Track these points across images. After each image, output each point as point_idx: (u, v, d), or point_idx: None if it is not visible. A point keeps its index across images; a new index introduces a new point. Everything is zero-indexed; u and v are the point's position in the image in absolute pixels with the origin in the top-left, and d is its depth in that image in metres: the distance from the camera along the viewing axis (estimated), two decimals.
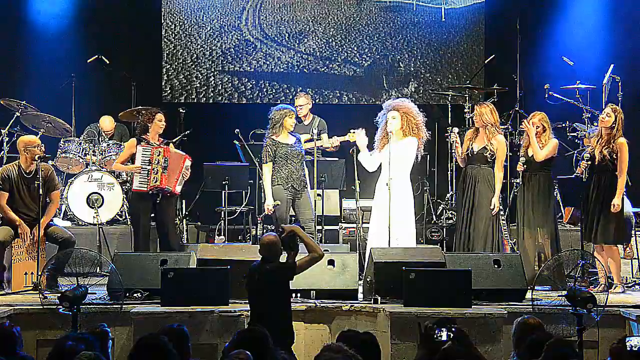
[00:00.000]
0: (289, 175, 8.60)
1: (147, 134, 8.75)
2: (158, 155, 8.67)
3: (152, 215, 8.85)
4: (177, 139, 10.07)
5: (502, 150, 8.55)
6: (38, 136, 9.17)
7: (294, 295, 7.63)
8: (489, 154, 8.51)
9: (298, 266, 6.47)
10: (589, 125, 10.00)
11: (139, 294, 7.45)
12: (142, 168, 8.63)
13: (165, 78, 12.03)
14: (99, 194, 9.81)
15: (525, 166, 8.48)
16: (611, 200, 8.10)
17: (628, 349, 4.73)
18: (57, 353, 4.61)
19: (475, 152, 8.57)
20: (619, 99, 10.09)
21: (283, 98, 11.78)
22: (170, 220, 8.90)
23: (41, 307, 7.08)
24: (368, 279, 7.75)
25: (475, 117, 8.62)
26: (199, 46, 12.06)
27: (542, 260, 8.27)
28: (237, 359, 4.42)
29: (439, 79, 12.14)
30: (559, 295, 6.63)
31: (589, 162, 8.22)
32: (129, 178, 10.12)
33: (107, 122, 10.51)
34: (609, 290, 7.70)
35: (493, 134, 8.54)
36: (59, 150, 10.04)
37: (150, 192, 8.63)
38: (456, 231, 8.75)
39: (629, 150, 8.18)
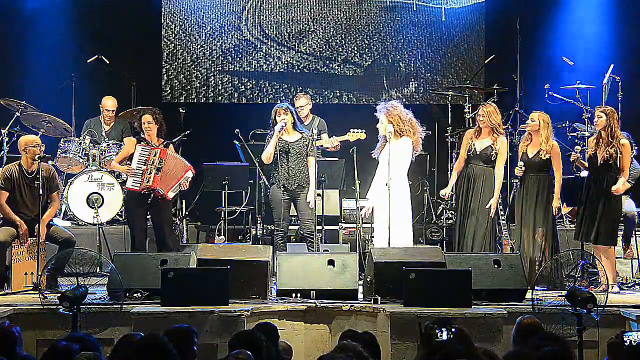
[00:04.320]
0: (285, 173, 8.60)
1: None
2: (154, 156, 8.72)
3: (149, 216, 8.90)
4: (177, 139, 10.06)
5: (504, 152, 8.64)
6: (38, 136, 9.17)
7: (293, 295, 7.65)
8: (494, 153, 8.54)
9: None
10: (589, 125, 10.00)
11: (139, 294, 7.45)
12: (137, 168, 8.68)
13: (165, 78, 12.03)
14: (99, 194, 9.80)
15: (523, 168, 8.48)
16: (613, 201, 8.15)
17: (627, 343, 4.72)
18: (51, 352, 4.60)
19: (478, 152, 8.58)
20: (619, 99, 10.09)
21: (283, 98, 11.77)
22: (166, 222, 8.90)
23: (41, 307, 7.07)
24: (368, 279, 7.75)
25: (483, 117, 8.61)
26: (199, 46, 12.06)
27: (542, 260, 8.28)
28: (237, 359, 4.42)
29: (439, 79, 12.13)
30: (559, 295, 6.62)
31: (587, 163, 8.28)
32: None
33: (109, 102, 10.43)
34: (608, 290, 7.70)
35: (498, 135, 8.59)
36: (59, 150, 10.02)
37: (142, 192, 8.67)
38: (455, 230, 8.73)
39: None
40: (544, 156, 8.43)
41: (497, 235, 8.64)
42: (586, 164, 8.48)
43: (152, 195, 8.71)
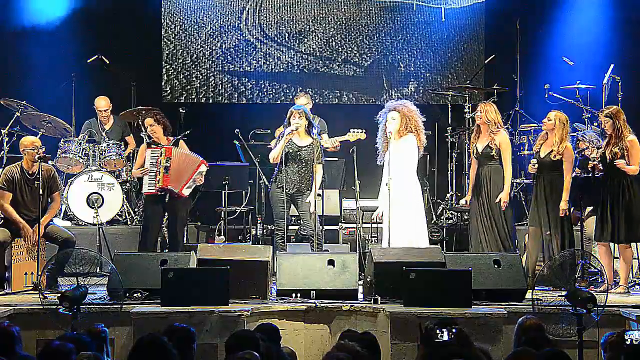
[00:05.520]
0: (287, 176, 8.59)
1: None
2: (160, 156, 8.72)
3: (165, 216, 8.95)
4: (177, 139, 10.05)
5: (507, 146, 8.60)
6: (38, 136, 9.17)
7: (293, 295, 7.64)
8: (494, 151, 8.51)
9: None
10: (588, 126, 10.00)
11: (139, 294, 7.45)
12: (150, 171, 8.72)
13: (165, 78, 12.03)
14: (99, 194, 9.81)
15: (536, 166, 8.45)
16: (630, 198, 8.13)
17: (627, 342, 4.72)
18: (45, 353, 4.59)
19: (480, 152, 8.58)
20: (619, 99, 10.09)
21: (283, 98, 11.78)
22: (180, 221, 8.95)
23: (41, 307, 7.06)
24: (368, 279, 7.75)
25: (480, 112, 8.60)
26: (199, 46, 12.06)
27: (545, 260, 8.27)
28: (244, 359, 4.42)
29: (439, 79, 12.13)
30: (559, 295, 6.62)
31: (598, 164, 8.25)
32: (128, 178, 10.15)
33: (102, 102, 10.45)
34: (609, 290, 7.68)
35: (495, 132, 8.56)
36: (59, 150, 10.02)
37: (159, 193, 8.68)
38: (473, 234, 8.64)
39: None
40: (555, 157, 8.39)
41: (511, 234, 8.63)
42: (600, 167, 8.43)
43: (166, 195, 8.72)
